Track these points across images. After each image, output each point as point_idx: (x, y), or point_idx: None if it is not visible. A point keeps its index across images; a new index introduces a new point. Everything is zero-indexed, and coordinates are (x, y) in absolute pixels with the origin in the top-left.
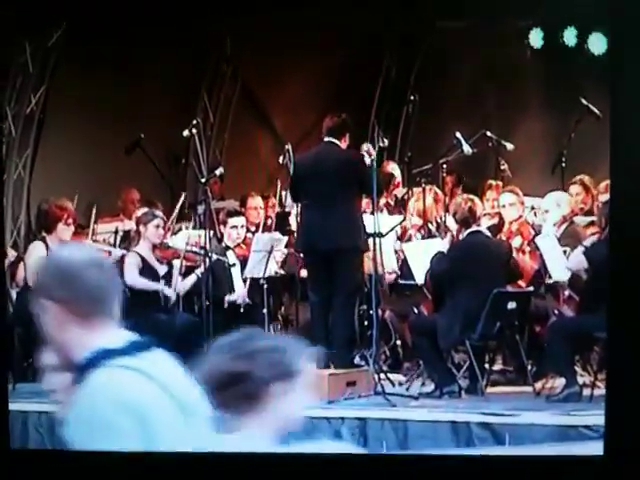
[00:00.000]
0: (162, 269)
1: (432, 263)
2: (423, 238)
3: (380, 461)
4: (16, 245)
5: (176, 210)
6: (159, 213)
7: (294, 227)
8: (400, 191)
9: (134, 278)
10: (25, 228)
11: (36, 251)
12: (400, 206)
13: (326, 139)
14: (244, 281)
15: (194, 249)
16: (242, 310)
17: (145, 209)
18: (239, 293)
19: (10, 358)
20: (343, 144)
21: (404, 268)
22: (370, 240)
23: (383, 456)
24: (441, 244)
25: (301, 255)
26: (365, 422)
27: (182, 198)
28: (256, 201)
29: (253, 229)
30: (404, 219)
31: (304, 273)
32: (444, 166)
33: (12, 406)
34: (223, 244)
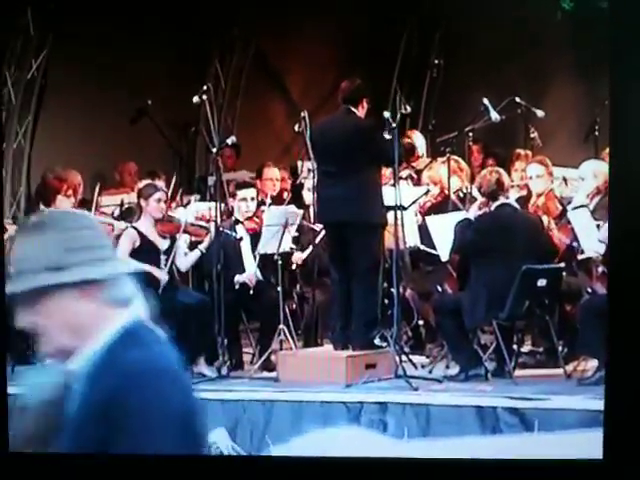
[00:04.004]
0: (164, 244)
1: (457, 230)
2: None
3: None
4: (16, 219)
5: (174, 179)
6: (161, 186)
7: (307, 200)
8: (423, 162)
9: (122, 257)
10: (25, 201)
11: None
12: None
13: (343, 106)
14: (255, 258)
15: (198, 223)
16: (252, 290)
17: (146, 181)
18: (248, 274)
19: (8, 340)
20: (361, 111)
21: (426, 243)
22: (391, 213)
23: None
24: (467, 216)
25: (316, 228)
26: (385, 407)
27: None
28: (272, 172)
29: (269, 202)
30: (428, 191)
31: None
32: (470, 134)
33: (10, 390)
34: (233, 218)
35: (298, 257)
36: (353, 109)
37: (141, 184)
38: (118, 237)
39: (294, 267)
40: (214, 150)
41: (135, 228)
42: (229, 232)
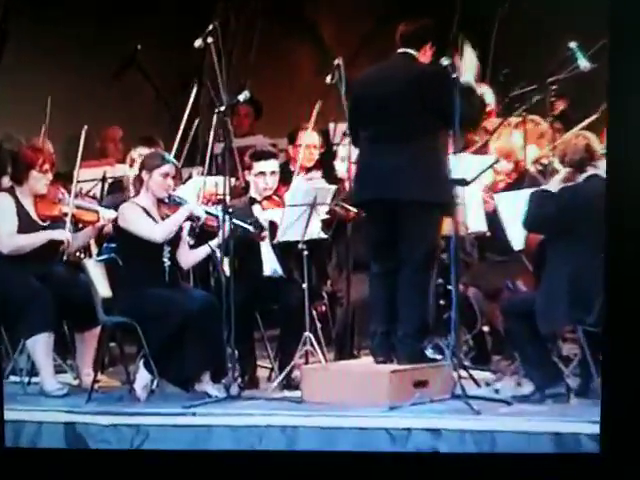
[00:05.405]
0: None
1: (531, 203)
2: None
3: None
4: None
5: (176, 143)
6: (170, 157)
7: (340, 172)
8: (493, 123)
9: (157, 228)
10: None
11: (1, 207)
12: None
13: (400, 50)
14: (274, 248)
15: (210, 210)
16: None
17: (145, 149)
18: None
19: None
20: (422, 57)
21: (495, 227)
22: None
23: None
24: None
25: (353, 210)
26: (439, 434)
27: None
28: (310, 137)
29: (303, 175)
30: (497, 160)
31: None
32: (553, 87)
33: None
34: (248, 196)
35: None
36: (413, 53)
37: (139, 150)
38: (101, 229)
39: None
40: (222, 109)
41: (136, 204)
42: (246, 225)
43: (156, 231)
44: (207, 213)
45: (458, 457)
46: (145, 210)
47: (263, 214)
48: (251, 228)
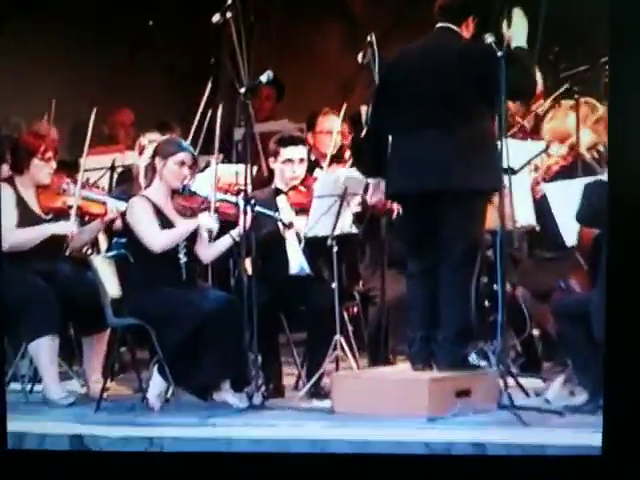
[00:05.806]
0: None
1: (585, 195)
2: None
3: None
4: None
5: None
6: (187, 145)
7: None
8: (540, 105)
9: (161, 236)
10: None
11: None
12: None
13: (439, 25)
14: (301, 243)
15: (229, 198)
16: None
17: (157, 135)
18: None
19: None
20: (464, 32)
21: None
22: None
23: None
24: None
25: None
26: (484, 449)
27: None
28: (331, 121)
29: (324, 165)
30: (547, 147)
31: None
32: (607, 67)
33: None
34: (273, 186)
35: None
36: (455, 28)
37: (149, 136)
38: (112, 223)
39: None
40: (242, 90)
41: (146, 198)
42: (272, 214)
43: (157, 240)
44: (224, 201)
45: (454, 457)
46: (156, 207)
47: (286, 217)
48: (277, 215)
